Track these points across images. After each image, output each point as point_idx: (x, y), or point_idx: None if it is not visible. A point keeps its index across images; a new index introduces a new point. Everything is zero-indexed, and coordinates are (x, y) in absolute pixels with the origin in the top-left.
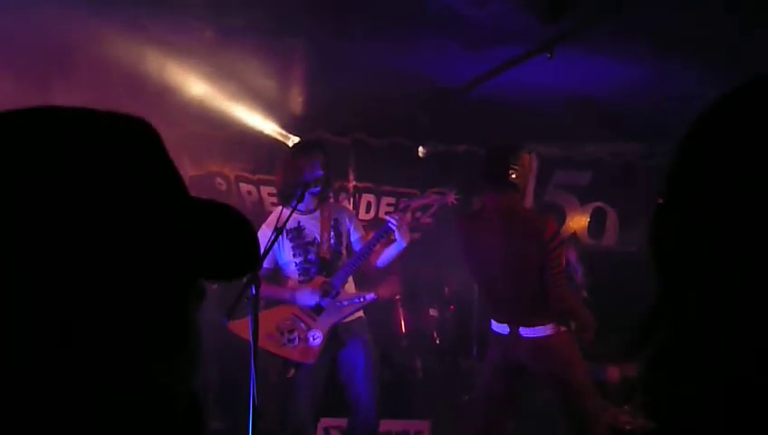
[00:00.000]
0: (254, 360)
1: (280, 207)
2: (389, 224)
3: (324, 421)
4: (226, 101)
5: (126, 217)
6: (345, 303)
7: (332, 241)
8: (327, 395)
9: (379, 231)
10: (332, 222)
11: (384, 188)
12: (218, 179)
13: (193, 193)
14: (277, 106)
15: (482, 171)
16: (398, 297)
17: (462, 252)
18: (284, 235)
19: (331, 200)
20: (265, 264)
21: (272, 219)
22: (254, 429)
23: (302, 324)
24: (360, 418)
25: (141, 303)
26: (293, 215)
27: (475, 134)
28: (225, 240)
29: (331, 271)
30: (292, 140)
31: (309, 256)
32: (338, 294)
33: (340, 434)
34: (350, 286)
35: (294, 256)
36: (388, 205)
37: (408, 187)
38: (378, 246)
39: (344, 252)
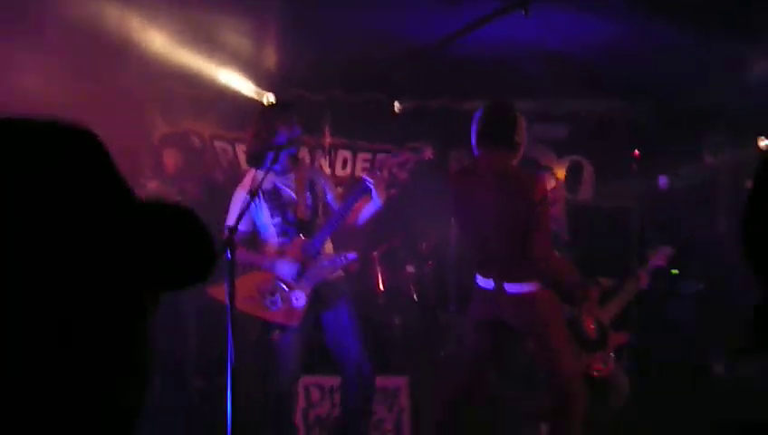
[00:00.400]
0: (231, 325)
1: (254, 169)
2: (366, 183)
3: (305, 380)
4: (200, 58)
5: (64, 230)
6: (326, 263)
7: (309, 201)
8: (306, 354)
9: (356, 191)
10: (308, 183)
11: (360, 143)
12: (193, 137)
13: (173, 149)
14: (252, 64)
15: (481, 128)
16: (375, 254)
17: (452, 207)
18: (261, 196)
19: (305, 160)
20: (242, 227)
21: (247, 181)
22: (233, 391)
23: (284, 286)
24: (354, 374)
25: (82, 316)
26: (269, 176)
27: (452, 89)
28: (176, 248)
29: (310, 231)
30: (267, 97)
31: (287, 217)
32: (318, 254)
33: (320, 392)
34: (328, 245)
35: (272, 216)
36: (365, 161)
37: (383, 142)
38: (355, 206)
39: (321, 212)
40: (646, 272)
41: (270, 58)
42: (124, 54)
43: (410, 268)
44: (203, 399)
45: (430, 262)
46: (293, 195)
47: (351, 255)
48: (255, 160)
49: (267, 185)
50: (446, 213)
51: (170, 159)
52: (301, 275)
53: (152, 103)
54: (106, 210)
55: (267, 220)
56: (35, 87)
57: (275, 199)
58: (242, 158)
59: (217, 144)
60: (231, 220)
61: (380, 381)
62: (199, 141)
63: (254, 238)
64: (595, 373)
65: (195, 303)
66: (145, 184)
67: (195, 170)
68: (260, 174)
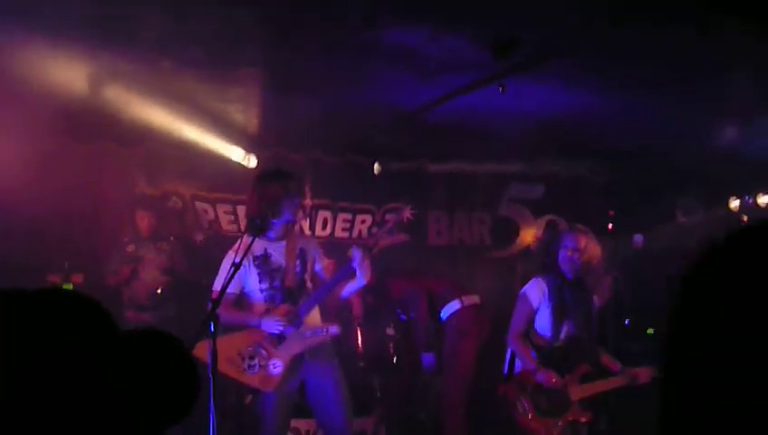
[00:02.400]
0: (213, 398)
1: (247, 236)
2: (352, 264)
3: (295, 422)
4: (183, 120)
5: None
6: (308, 333)
7: (298, 269)
8: (289, 418)
9: (343, 270)
10: (298, 251)
11: (340, 204)
12: (174, 198)
13: (147, 212)
14: (234, 124)
15: None
16: (355, 316)
17: None
18: (251, 261)
19: (298, 228)
20: (230, 288)
21: (237, 244)
22: None
23: (264, 352)
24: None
25: None
26: (260, 242)
27: (431, 152)
28: (165, 392)
29: (296, 300)
30: (249, 158)
31: (274, 283)
32: (300, 323)
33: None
34: (314, 315)
35: (260, 281)
36: (344, 221)
37: (363, 203)
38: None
39: (309, 280)
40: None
41: (252, 119)
42: (110, 117)
43: (389, 331)
44: None
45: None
46: (283, 262)
47: (333, 328)
48: (255, 229)
49: (258, 250)
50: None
51: (143, 221)
52: (281, 342)
53: (138, 165)
54: (101, 369)
55: (255, 285)
56: (14, 149)
57: (264, 265)
58: (222, 218)
59: (198, 205)
60: (218, 283)
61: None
62: (180, 202)
63: (241, 301)
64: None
65: None
66: (124, 248)
67: (172, 232)
68: (250, 239)
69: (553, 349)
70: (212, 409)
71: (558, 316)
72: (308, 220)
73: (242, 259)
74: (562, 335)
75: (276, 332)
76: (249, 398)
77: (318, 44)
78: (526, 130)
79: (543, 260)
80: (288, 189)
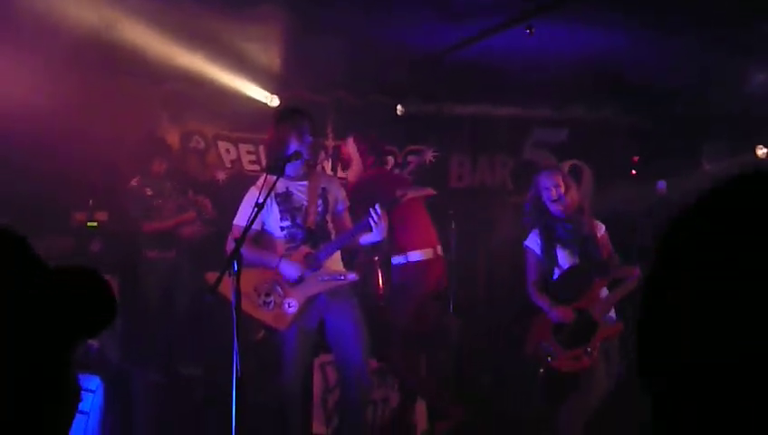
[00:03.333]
0: (237, 337)
1: (268, 174)
2: (370, 220)
3: (321, 358)
4: (206, 60)
5: None
6: (326, 277)
7: (320, 209)
8: (310, 356)
9: (361, 224)
10: (320, 190)
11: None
12: (196, 137)
13: (171, 152)
14: (256, 66)
15: None
16: (376, 259)
17: None
18: (273, 198)
19: (322, 167)
20: (246, 223)
21: (260, 181)
22: (237, 400)
23: (280, 290)
24: (353, 381)
25: (25, 370)
26: (282, 180)
27: (454, 95)
28: (86, 305)
29: (316, 241)
30: (272, 98)
31: (296, 221)
32: (320, 267)
33: (336, 370)
34: (335, 258)
35: (281, 219)
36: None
37: (386, 144)
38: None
39: (330, 221)
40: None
41: (275, 60)
42: (133, 56)
43: None
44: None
45: None
46: (305, 200)
47: (351, 275)
48: (269, 168)
49: (280, 188)
50: (446, 214)
51: (161, 166)
52: (299, 283)
53: (160, 104)
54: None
55: (276, 223)
56: (38, 88)
57: (286, 203)
58: (244, 158)
59: (221, 144)
60: (241, 219)
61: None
62: (203, 142)
63: (262, 238)
64: (566, 369)
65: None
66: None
67: (197, 172)
68: (273, 178)
69: (557, 281)
70: (235, 346)
71: (549, 247)
72: (330, 161)
73: (265, 199)
74: (564, 265)
75: (294, 277)
76: (261, 333)
77: None
78: (552, 73)
79: (533, 211)
80: (298, 128)
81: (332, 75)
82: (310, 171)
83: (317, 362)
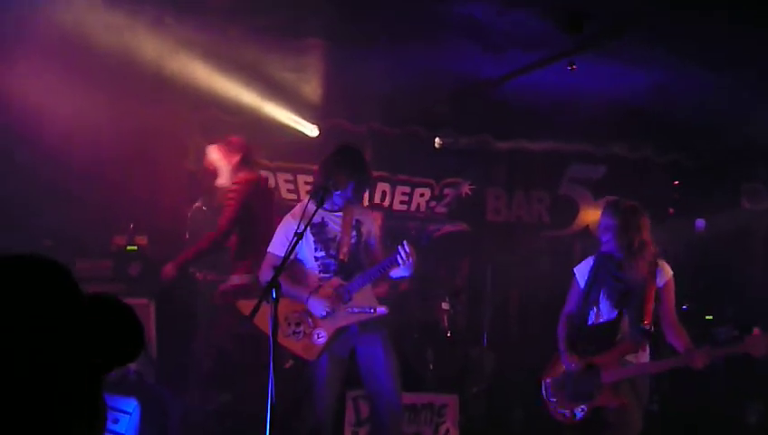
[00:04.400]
0: (273, 363)
1: (306, 200)
2: (397, 257)
3: (353, 392)
4: (246, 90)
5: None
6: (356, 310)
7: (353, 241)
8: (342, 386)
9: (387, 260)
10: (354, 222)
11: (399, 177)
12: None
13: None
14: (296, 96)
15: None
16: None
17: None
18: (309, 228)
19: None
20: (280, 252)
21: (297, 210)
22: (271, 428)
23: (310, 321)
24: (384, 411)
25: (56, 395)
26: (320, 211)
27: (492, 128)
28: (116, 340)
29: (349, 273)
30: (310, 128)
31: (330, 252)
32: (350, 299)
33: (368, 404)
34: (366, 290)
35: (316, 250)
36: (403, 194)
37: (422, 177)
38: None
39: (363, 254)
40: (708, 353)
41: (315, 89)
42: (176, 84)
43: (444, 305)
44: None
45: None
46: (339, 232)
47: (381, 309)
48: (315, 197)
49: (316, 219)
50: (482, 247)
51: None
52: (328, 315)
53: (200, 130)
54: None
55: (310, 253)
56: (84, 114)
57: (321, 234)
58: (282, 187)
59: (262, 173)
60: (276, 248)
61: (429, 397)
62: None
63: (295, 267)
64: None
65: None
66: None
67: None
68: (311, 207)
69: (588, 329)
70: (271, 374)
71: (590, 292)
72: (367, 192)
73: (305, 228)
74: (598, 314)
75: (321, 313)
76: (290, 362)
77: (383, 15)
78: (591, 109)
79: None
80: (358, 174)
81: (371, 106)
82: (346, 204)
83: (349, 395)
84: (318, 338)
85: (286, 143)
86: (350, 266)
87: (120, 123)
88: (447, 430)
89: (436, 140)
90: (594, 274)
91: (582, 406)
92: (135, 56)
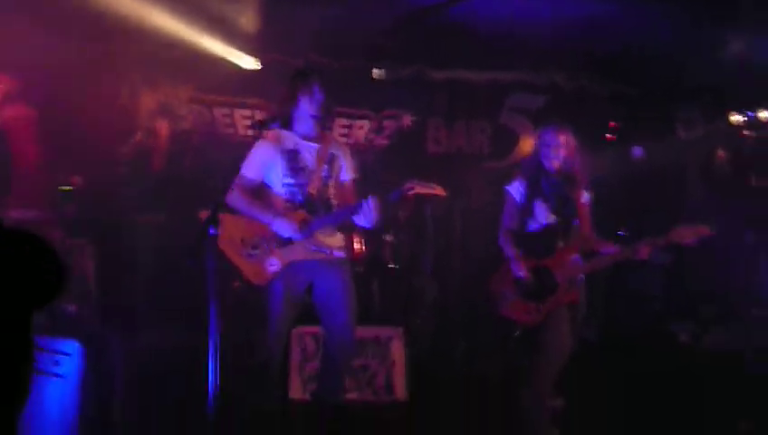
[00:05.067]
0: (214, 299)
1: (278, 130)
2: (360, 207)
3: (299, 329)
4: (181, 23)
5: None
6: (313, 248)
7: (324, 174)
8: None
9: (350, 207)
10: (329, 155)
11: (338, 109)
12: (172, 101)
13: (149, 112)
14: (233, 28)
15: None
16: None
17: None
18: (281, 153)
19: (334, 133)
20: (252, 174)
21: (271, 135)
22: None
23: (266, 246)
24: (335, 345)
25: None
26: (292, 137)
27: (431, 58)
28: (35, 278)
29: (315, 208)
30: (247, 60)
31: (299, 180)
32: (311, 235)
33: (314, 341)
34: (328, 230)
35: (284, 176)
36: (342, 127)
37: (362, 108)
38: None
39: (332, 189)
40: (653, 243)
41: (251, 21)
42: (108, 17)
43: (388, 237)
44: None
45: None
46: (310, 162)
47: (338, 252)
48: (279, 122)
49: (289, 145)
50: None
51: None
52: (286, 244)
53: (134, 65)
54: None
55: (278, 178)
56: (16, 56)
57: (293, 161)
58: (220, 120)
59: (195, 108)
60: (249, 170)
61: (374, 331)
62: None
63: (262, 190)
64: (516, 318)
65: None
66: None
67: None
68: (285, 134)
69: (532, 235)
70: (212, 310)
71: (530, 198)
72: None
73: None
74: (540, 220)
75: (285, 236)
76: (237, 284)
77: None
78: (530, 37)
79: (529, 160)
80: (310, 86)
81: (308, 39)
82: (319, 135)
83: (295, 332)
84: (270, 265)
85: (223, 76)
86: (318, 202)
87: (52, 59)
88: (393, 362)
89: (375, 71)
90: (532, 185)
91: (539, 305)
92: None
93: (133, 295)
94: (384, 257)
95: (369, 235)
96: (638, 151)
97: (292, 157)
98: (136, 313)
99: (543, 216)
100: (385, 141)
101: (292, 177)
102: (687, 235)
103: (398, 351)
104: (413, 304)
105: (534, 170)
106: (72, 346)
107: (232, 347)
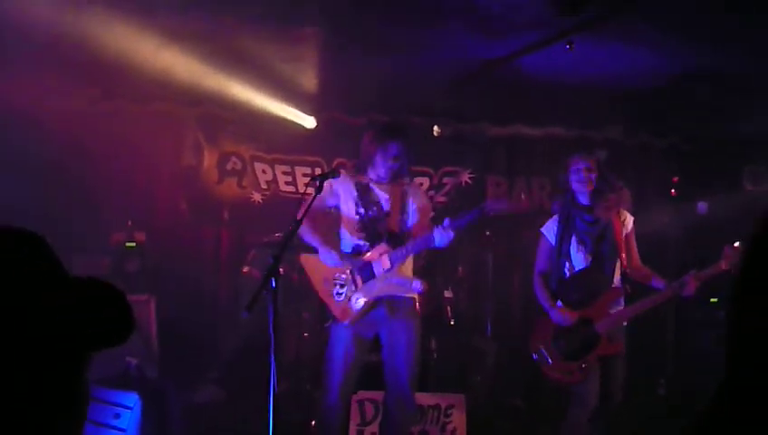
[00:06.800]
0: (274, 353)
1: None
2: (434, 232)
3: (360, 395)
4: (241, 82)
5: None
6: (395, 280)
7: (401, 213)
8: (363, 368)
9: (431, 236)
10: (401, 192)
11: None
12: (233, 159)
13: (205, 174)
14: (292, 87)
15: None
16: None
17: None
18: (354, 186)
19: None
20: (324, 202)
21: (346, 174)
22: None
23: (353, 284)
24: (395, 400)
25: (36, 376)
26: (366, 179)
27: (492, 115)
28: (101, 319)
29: (394, 242)
30: (307, 120)
31: (369, 213)
32: (392, 268)
33: (374, 407)
34: (407, 265)
35: (358, 205)
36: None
37: (421, 165)
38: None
39: (407, 226)
40: (697, 277)
41: (310, 79)
42: (168, 78)
43: (448, 293)
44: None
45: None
46: (384, 201)
47: (417, 283)
48: (355, 170)
49: (363, 180)
50: (483, 236)
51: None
52: (370, 279)
53: (197, 125)
54: (42, 295)
55: (352, 207)
56: (81, 114)
57: (365, 194)
58: (281, 179)
59: (257, 166)
60: (319, 200)
61: (437, 398)
62: (240, 163)
63: (329, 214)
64: (556, 382)
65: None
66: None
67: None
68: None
69: (569, 280)
70: (273, 363)
71: (561, 244)
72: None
73: (303, 215)
74: (576, 263)
75: (330, 264)
76: (329, 322)
77: (379, 5)
78: (590, 94)
79: (561, 200)
80: (386, 147)
81: (368, 96)
82: (393, 179)
83: (354, 398)
84: (356, 302)
85: (283, 135)
86: (395, 236)
87: (115, 120)
88: (455, 429)
89: (435, 128)
90: (564, 223)
91: (582, 363)
92: (128, 51)
93: (193, 350)
94: (443, 314)
95: (427, 290)
96: (702, 207)
97: (364, 191)
98: (194, 367)
99: (580, 258)
100: (444, 199)
101: (362, 207)
102: (730, 256)
103: (458, 418)
104: (472, 365)
105: (567, 205)
106: (133, 399)
107: (291, 401)
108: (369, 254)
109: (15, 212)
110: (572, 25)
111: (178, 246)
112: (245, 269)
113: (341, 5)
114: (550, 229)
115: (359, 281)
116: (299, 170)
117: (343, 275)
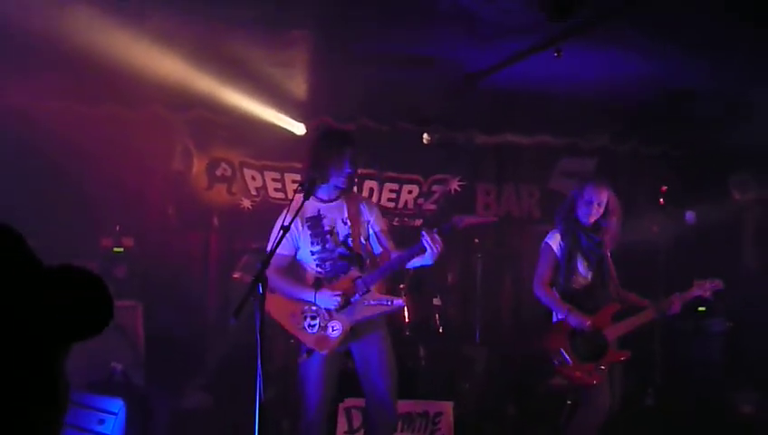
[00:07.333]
0: (260, 358)
1: (300, 195)
2: (423, 243)
3: (347, 402)
4: (231, 88)
5: None
6: (373, 302)
7: (360, 231)
8: (349, 376)
9: (413, 248)
10: (355, 211)
11: (387, 174)
12: (223, 165)
13: (195, 180)
14: (282, 93)
15: None
16: (402, 286)
17: None
18: (304, 223)
19: (355, 190)
20: (284, 250)
21: (293, 206)
22: (260, 422)
23: (326, 313)
24: (375, 411)
25: (13, 366)
26: (314, 202)
27: (481, 123)
28: (79, 308)
29: (361, 263)
30: (297, 126)
31: (327, 245)
32: (368, 292)
33: (361, 414)
34: (381, 284)
35: (312, 244)
36: (391, 191)
37: (410, 173)
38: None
39: (365, 244)
40: (682, 298)
41: (301, 85)
42: (157, 83)
43: (436, 301)
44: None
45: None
46: (336, 224)
47: (398, 301)
48: (304, 190)
49: (311, 211)
50: (472, 243)
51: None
52: (343, 307)
53: (186, 131)
54: (18, 285)
55: (307, 247)
56: (68, 117)
57: (316, 227)
58: (270, 185)
59: (246, 172)
60: (271, 246)
61: (423, 405)
62: (229, 169)
63: (295, 266)
64: (576, 381)
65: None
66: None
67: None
68: (303, 201)
69: (575, 292)
70: (259, 371)
71: (571, 254)
72: (354, 189)
73: (291, 221)
74: (582, 277)
75: (333, 307)
76: (305, 356)
77: (370, 8)
78: (579, 101)
79: (564, 211)
80: (341, 155)
81: (358, 103)
82: (342, 194)
83: (342, 406)
84: (333, 331)
85: (273, 142)
86: (361, 257)
87: (104, 124)
88: None
89: (424, 135)
90: (570, 239)
91: (600, 364)
92: (117, 55)
93: (180, 356)
94: (432, 321)
95: (416, 298)
96: (689, 216)
97: (314, 223)
98: (181, 373)
99: (585, 273)
100: (433, 206)
101: (318, 243)
102: (706, 288)
103: (446, 425)
104: (461, 372)
105: (571, 224)
106: (117, 405)
107: (279, 408)
108: (339, 283)
109: (4, 218)
110: (561, 32)
111: (167, 251)
112: (237, 275)
113: (331, 11)
114: (554, 240)
115: (332, 312)
116: (288, 177)
117: (314, 307)
